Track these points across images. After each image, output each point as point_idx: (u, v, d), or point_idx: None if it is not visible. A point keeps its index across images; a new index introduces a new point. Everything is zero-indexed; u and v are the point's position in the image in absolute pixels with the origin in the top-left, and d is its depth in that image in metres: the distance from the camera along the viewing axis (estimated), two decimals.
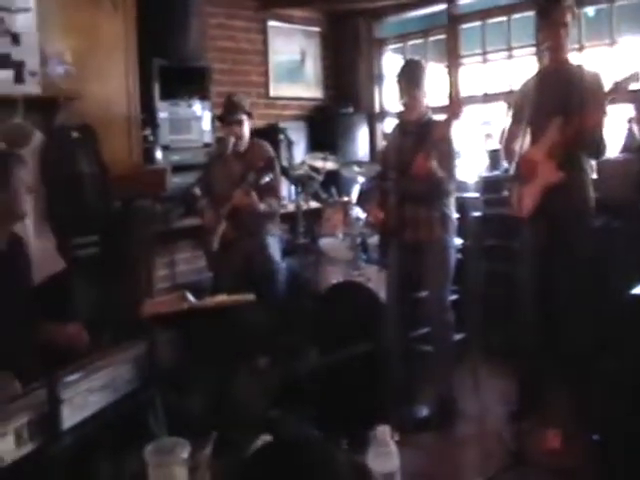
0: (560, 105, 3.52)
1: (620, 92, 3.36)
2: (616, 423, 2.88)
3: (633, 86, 3.37)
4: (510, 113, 3.92)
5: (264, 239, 4.43)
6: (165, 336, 3.11)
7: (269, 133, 5.14)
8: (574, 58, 3.97)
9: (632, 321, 2.86)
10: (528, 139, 3.65)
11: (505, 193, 4.63)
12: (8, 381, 2.58)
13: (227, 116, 4.44)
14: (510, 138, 3.86)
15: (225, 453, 2.02)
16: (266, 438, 1.97)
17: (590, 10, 5.18)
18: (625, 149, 4.46)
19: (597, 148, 3.59)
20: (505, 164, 4.65)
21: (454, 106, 3.65)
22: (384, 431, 1.91)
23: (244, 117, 4.43)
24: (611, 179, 4.08)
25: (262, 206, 4.33)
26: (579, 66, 3.69)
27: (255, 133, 4.63)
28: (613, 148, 4.44)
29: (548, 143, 3.55)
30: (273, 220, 4.57)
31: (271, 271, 4.39)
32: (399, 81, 4.00)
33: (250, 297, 3.35)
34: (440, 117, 4.10)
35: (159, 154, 4.66)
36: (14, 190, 2.83)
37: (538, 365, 3.73)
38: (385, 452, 1.87)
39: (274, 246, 4.48)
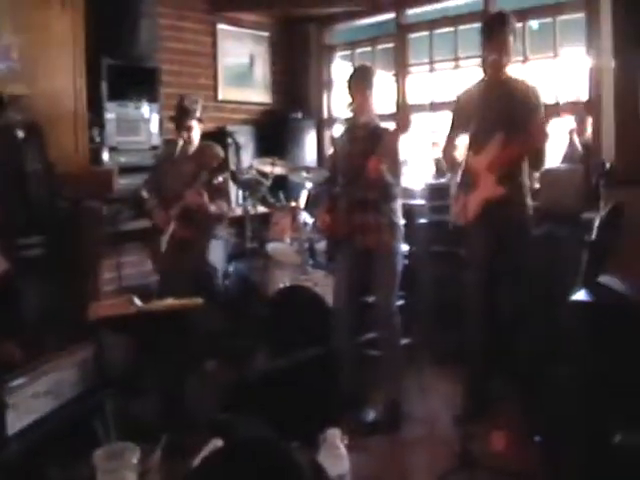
0: (502, 119, 3.61)
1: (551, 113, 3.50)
2: (559, 425, 2.95)
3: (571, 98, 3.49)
4: (450, 120, 4.01)
5: (206, 243, 4.41)
6: (112, 340, 3.08)
7: (217, 136, 5.11)
8: (519, 70, 4.08)
9: (572, 326, 2.94)
10: (471, 149, 3.73)
11: (450, 200, 4.75)
12: None
13: (178, 120, 4.45)
14: (449, 145, 3.95)
15: (175, 457, 2.00)
16: (217, 441, 1.96)
17: (534, 24, 5.30)
18: (566, 159, 4.58)
19: (537, 162, 3.73)
20: (447, 171, 4.76)
21: (403, 120, 3.69)
22: (334, 434, 1.93)
23: (194, 123, 4.45)
24: (554, 188, 4.19)
25: (212, 207, 4.33)
26: (522, 81, 3.80)
27: (203, 136, 4.62)
28: (555, 158, 4.57)
29: (489, 157, 3.64)
30: (222, 222, 4.56)
31: (208, 276, 4.33)
32: (349, 86, 4.02)
33: (198, 301, 3.33)
34: (387, 125, 4.16)
35: (106, 155, 4.60)
36: None
37: (484, 369, 3.80)
38: (335, 455, 1.89)
39: (216, 250, 4.45)
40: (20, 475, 2.08)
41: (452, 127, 3.96)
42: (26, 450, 2.15)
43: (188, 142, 4.45)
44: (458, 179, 3.72)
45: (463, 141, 3.86)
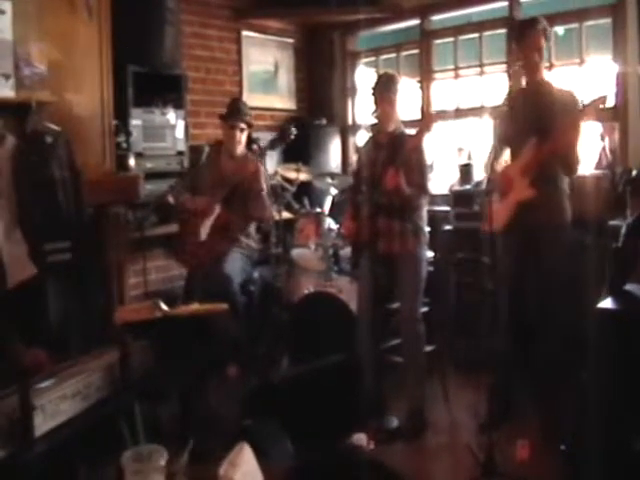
0: (536, 124, 3.58)
1: (589, 114, 3.44)
2: (584, 435, 2.92)
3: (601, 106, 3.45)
4: (494, 132, 3.98)
5: (226, 252, 4.44)
6: (138, 344, 3.10)
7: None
8: (549, 78, 4.06)
9: (598, 334, 2.91)
10: (507, 156, 3.72)
11: (476, 207, 4.73)
12: None
13: (230, 119, 4.55)
14: (496, 156, 3.92)
15: (201, 461, 2.01)
16: (243, 446, 1.97)
17: (560, 29, 5.28)
18: (599, 166, 4.55)
19: (569, 166, 3.65)
20: (479, 179, 4.74)
21: (426, 119, 3.69)
22: (361, 439, 1.93)
23: (245, 126, 4.58)
24: (580, 195, 4.15)
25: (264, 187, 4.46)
26: (554, 85, 3.77)
27: None
28: (588, 165, 4.54)
29: (523, 161, 3.62)
30: (265, 214, 4.60)
31: (225, 289, 4.29)
32: (373, 93, 4.03)
33: (223, 306, 3.34)
34: (412, 131, 4.16)
35: (132, 161, 4.63)
36: None
37: (508, 377, 3.78)
38: None
39: (234, 260, 4.47)
40: (47, 477, 2.10)
41: (498, 138, 3.91)
42: (53, 452, 2.18)
43: (238, 144, 4.54)
44: (492, 186, 3.69)
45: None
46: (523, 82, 3.89)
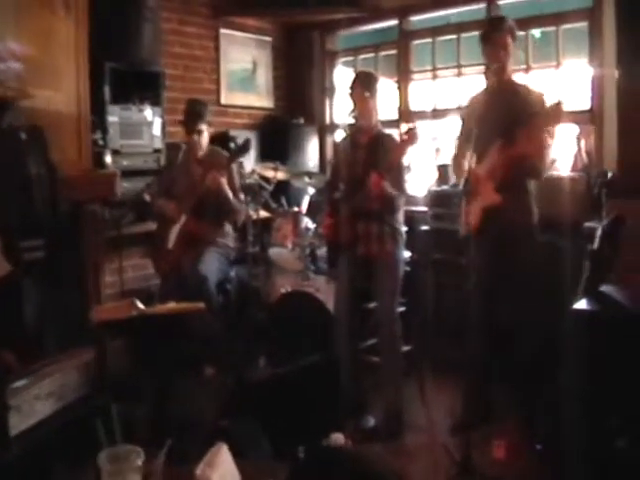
0: (501, 126, 3.58)
1: (550, 119, 3.45)
2: (560, 433, 2.95)
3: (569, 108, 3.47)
4: (459, 129, 4.00)
5: (203, 251, 4.41)
6: (114, 344, 3.07)
7: (220, 141, 5.12)
8: (520, 78, 4.08)
9: (574, 335, 2.94)
10: (474, 157, 3.73)
11: (453, 208, 4.75)
12: None
13: (188, 124, 4.50)
14: (459, 154, 3.94)
15: (178, 461, 2.00)
16: (220, 447, 1.96)
17: (537, 32, 5.32)
18: (574, 168, 4.58)
19: (535, 170, 3.65)
20: (454, 179, 4.75)
21: (411, 133, 3.67)
22: (339, 439, 1.93)
23: (204, 126, 4.51)
24: (558, 197, 4.19)
25: (230, 195, 4.41)
26: (524, 86, 3.78)
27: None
28: (564, 166, 4.58)
29: (488, 164, 3.63)
30: (235, 219, 4.59)
31: (201, 288, 4.25)
32: (351, 92, 4.02)
33: (200, 305, 3.33)
34: (391, 132, 4.16)
35: (109, 158, 4.60)
36: None
37: (484, 377, 3.80)
38: None
39: (210, 259, 4.42)
40: (23, 476, 2.07)
41: (461, 135, 3.95)
42: (28, 452, 2.15)
43: (198, 146, 4.49)
44: (461, 188, 3.72)
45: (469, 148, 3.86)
46: (489, 82, 3.88)
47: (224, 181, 4.37)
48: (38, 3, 4.14)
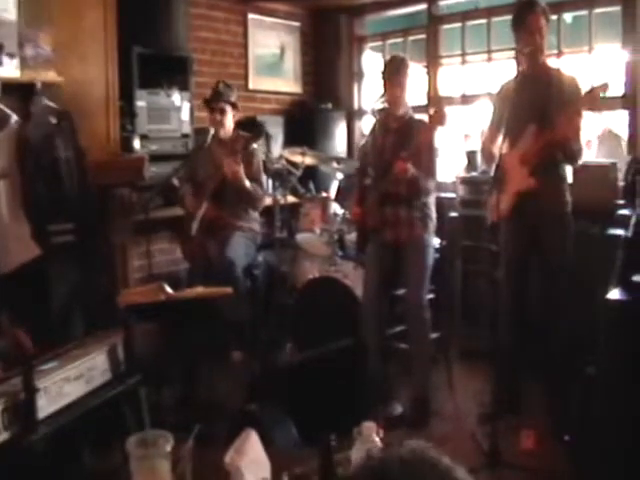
0: (536, 111, 3.52)
1: (590, 101, 3.38)
2: (589, 424, 2.90)
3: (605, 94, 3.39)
4: (490, 115, 3.94)
5: (230, 236, 4.41)
6: (142, 327, 3.08)
7: (247, 126, 5.10)
8: (552, 63, 4.00)
9: (607, 325, 2.88)
10: (506, 143, 3.66)
11: (482, 195, 4.70)
12: None
13: (210, 102, 4.51)
14: (488, 140, 3.88)
15: (206, 446, 1.99)
16: (249, 432, 1.95)
17: (569, 17, 5.22)
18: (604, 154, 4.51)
19: (572, 155, 3.59)
20: (483, 166, 4.69)
21: (439, 114, 3.62)
22: (370, 427, 1.90)
23: (227, 107, 4.49)
24: (590, 184, 4.11)
25: (247, 182, 4.38)
26: (557, 70, 3.70)
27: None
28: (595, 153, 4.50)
29: (522, 149, 3.56)
30: (255, 206, 4.57)
31: (228, 273, 4.23)
32: (383, 77, 3.97)
33: (227, 290, 3.32)
34: (421, 116, 4.11)
35: (137, 143, 4.60)
36: None
37: (514, 366, 3.76)
38: (371, 448, 1.86)
39: (237, 244, 4.42)
40: (50, 459, 2.08)
41: (492, 121, 3.88)
42: (56, 435, 2.16)
43: (220, 126, 4.48)
44: (492, 174, 3.66)
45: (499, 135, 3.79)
46: (524, 66, 3.81)
47: (240, 169, 4.34)
48: None
